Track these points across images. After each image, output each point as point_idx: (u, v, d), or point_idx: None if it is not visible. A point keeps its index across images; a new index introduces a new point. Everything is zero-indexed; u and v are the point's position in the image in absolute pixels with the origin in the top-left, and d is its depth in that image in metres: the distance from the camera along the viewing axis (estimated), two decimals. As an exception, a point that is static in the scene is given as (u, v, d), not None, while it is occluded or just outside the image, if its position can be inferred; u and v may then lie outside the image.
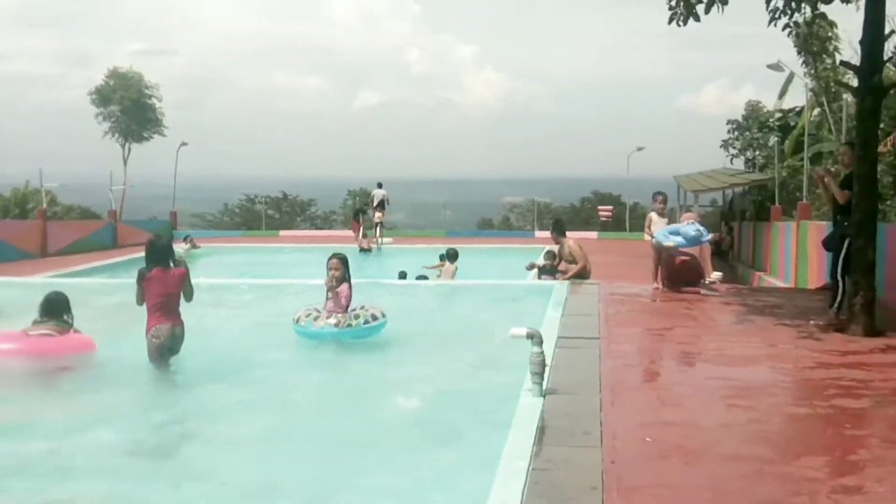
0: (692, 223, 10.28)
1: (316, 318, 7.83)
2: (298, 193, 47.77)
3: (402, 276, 13.43)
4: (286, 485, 4.67)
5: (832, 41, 21.89)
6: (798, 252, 15.14)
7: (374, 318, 7.93)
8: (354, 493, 4.52)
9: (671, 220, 11.44)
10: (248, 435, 5.51)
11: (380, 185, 25.80)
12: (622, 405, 5.21)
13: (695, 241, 10.24)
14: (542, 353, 5.36)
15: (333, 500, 4.49)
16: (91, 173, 34.40)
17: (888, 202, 17.85)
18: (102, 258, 18.17)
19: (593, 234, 31.57)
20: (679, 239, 10.13)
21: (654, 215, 11.00)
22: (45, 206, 25.68)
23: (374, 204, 24.90)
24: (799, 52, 22.80)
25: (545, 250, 12.54)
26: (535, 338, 5.39)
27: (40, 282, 12.08)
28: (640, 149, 38.05)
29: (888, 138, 19.67)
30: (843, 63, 11.13)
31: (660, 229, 10.54)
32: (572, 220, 41.93)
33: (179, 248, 19.86)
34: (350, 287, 7.99)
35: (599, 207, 38.28)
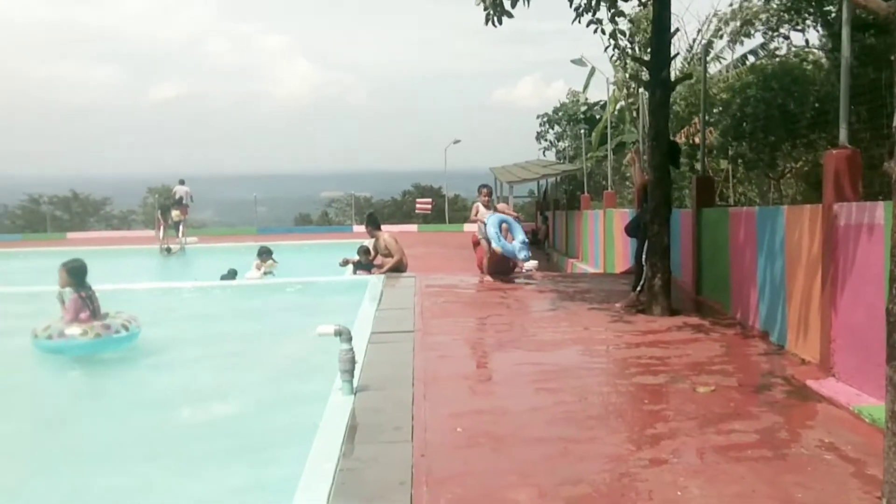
0: (524, 242, 10.72)
1: (60, 330, 7.29)
2: (91, 192, 45.63)
3: (232, 275, 12.93)
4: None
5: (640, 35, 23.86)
6: (606, 238, 16.38)
7: (126, 326, 7.54)
8: None
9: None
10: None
11: (182, 182, 25.21)
12: (434, 397, 5.33)
13: (513, 254, 10.70)
14: (352, 349, 5.35)
15: None
16: None
17: (685, 189, 19.81)
18: None
19: (413, 227, 32.18)
20: (507, 248, 10.55)
21: (480, 206, 11.39)
22: None
23: (175, 201, 23.99)
24: (606, 49, 24.58)
25: (360, 245, 12.56)
26: (343, 334, 5.37)
27: None
28: (456, 142, 39.32)
29: (684, 129, 21.83)
30: (634, 58, 12.16)
31: (486, 220, 10.92)
32: (394, 213, 42.48)
33: None
34: (84, 296, 7.58)
35: (418, 200, 39.07)
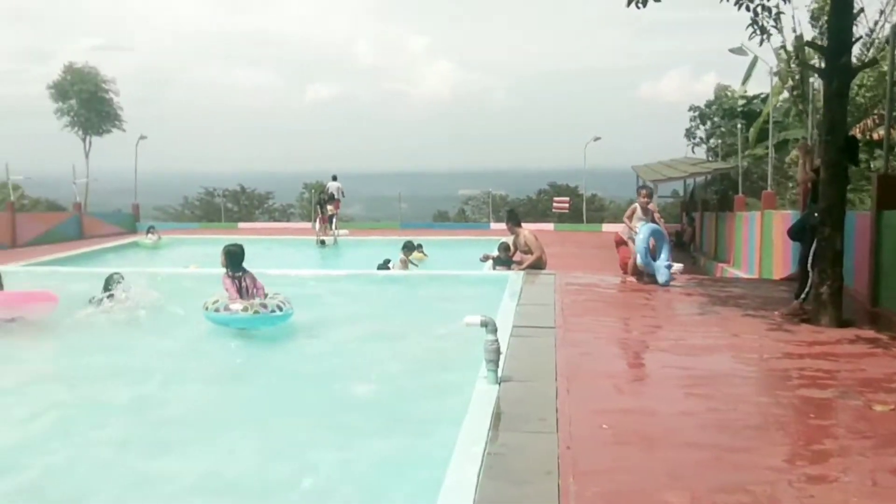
0: (669, 266, 10.39)
1: (226, 304, 8.17)
2: (256, 187, 49.74)
3: (386, 264, 13.64)
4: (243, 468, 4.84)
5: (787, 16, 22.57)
6: (762, 242, 15.64)
7: (280, 307, 8.25)
8: (306, 476, 4.63)
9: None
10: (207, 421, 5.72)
11: (334, 178, 27.02)
12: (578, 393, 5.35)
13: (653, 274, 10.38)
14: (497, 340, 5.47)
15: (287, 481, 4.62)
16: (54, 168, 36.62)
17: (865, 191, 18.48)
18: (70, 249, 19.67)
19: (549, 226, 32.03)
20: (650, 267, 10.28)
21: (638, 208, 11.18)
22: (12, 199, 27.36)
23: (329, 196, 25.67)
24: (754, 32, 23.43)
25: (500, 242, 12.71)
26: (488, 325, 5.50)
27: (15, 270, 12.88)
28: (596, 139, 38.65)
29: (860, 123, 20.43)
30: (808, 44, 11.48)
31: (641, 224, 10.72)
32: (529, 212, 42.45)
33: (145, 239, 22.30)
34: (232, 276, 8.47)
35: (555, 199, 38.80)
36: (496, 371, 5.49)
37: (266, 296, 8.40)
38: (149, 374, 6.91)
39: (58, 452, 5.18)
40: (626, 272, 10.79)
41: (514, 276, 10.51)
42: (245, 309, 8.07)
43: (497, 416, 4.74)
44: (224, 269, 8.61)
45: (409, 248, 14.24)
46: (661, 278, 10.20)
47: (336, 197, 25.66)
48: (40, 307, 8.70)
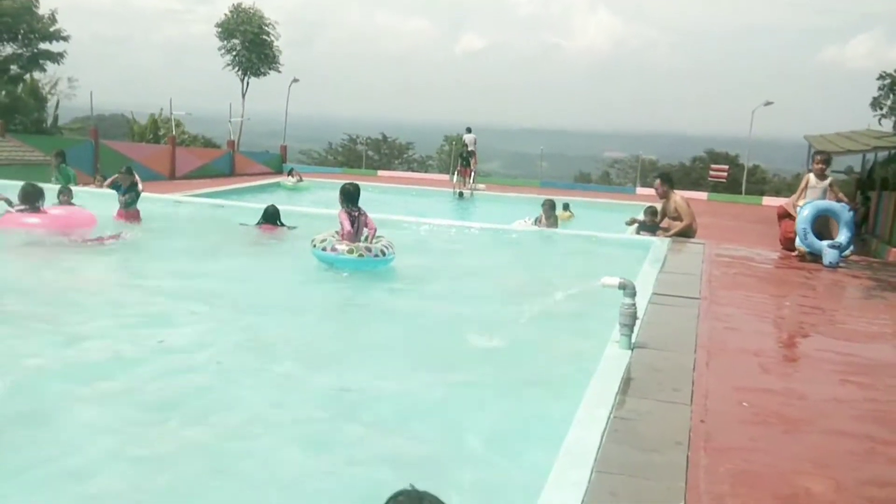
0: (837, 246, 9.64)
1: (332, 245, 8.62)
2: (397, 136, 51.14)
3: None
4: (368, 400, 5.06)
5: None
6: (947, 230, 14.35)
7: (384, 252, 8.68)
8: (429, 426, 4.76)
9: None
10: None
11: (469, 130, 26.92)
12: (718, 367, 5.19)
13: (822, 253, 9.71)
14: (634, 304, 5.38)
15: (410, 421, 4.81)
16: (212, 106, 38.96)
17: None
18: (223, 184, 22.08)
19: (703, 195, 30.75)
20: (814, 247, 9.64)
21: (811, 177, 10.46)
22: (174, 133, 29.95)
23: (470, 151, 25.85)
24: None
25: (647, 206, 12.37)
26: (627, 288, 5.41)
27: (180, 199, 14.51)
28: (768, 103, 36.33)
29: None
30: None
31: (815, 196, 10.07)
32: (681, 179, 40.96)
33: (286, 180, 23.97)
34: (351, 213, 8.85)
35: (712, 167, 37.11)
36: (630, 336, 5.41)
37: (374, 238, 8.78)
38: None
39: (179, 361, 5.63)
40: (786, 248, 10.21)
41: (660, 243, 10.22)
42: (350, 251, 8.49)
43: (627, 382, 4.69)
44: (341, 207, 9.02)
45: (550, 206, 13.96)
46: (826, 259, 9.58)
47: (470, 148, 25.75)
48: (79, 228, 9.95)
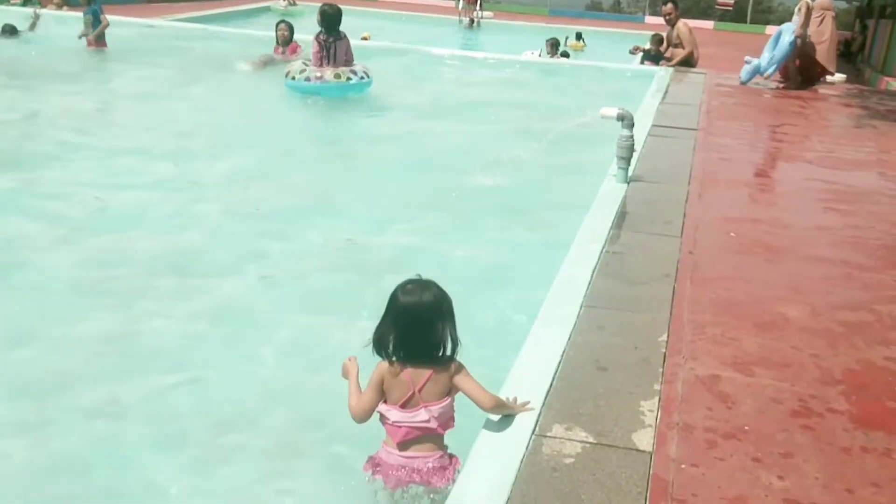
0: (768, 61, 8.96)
1: (308, 74, 7.73)
2: None
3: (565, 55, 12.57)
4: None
5: None
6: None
7: (366, 75, 7.91)
8: (426, 255, 4.51)
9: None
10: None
11: None
12: (710, 198, 4.93)
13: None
14: (632, 136, 5.03)
15: (411, 252, 4.55)
16: None
17: None
18: (206, 7, 17.67)
19: (709, 24, 28.84)
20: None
21: (808, 3, 9.41)
22: None
23: None
24: None
25: (653, 34, 11.50)
26: (625, 119, 5.03)
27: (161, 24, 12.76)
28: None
29: None
30: None
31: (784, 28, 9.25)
32: (689, 8, 38.20)
33: (277, 4, 19.53)
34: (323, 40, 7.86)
35: (719, -5, 34.54)
36: (627, 169, 5.12)
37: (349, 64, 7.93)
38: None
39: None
40: (785, 77, 9.53)
41: (662, 73, 9.58)
42: (337, 77, 7.68)
43: (621, 216, 4.47)
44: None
45: (552, 44, 12.88)
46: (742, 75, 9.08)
47: None
48: None
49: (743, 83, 9.40)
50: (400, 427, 2.33)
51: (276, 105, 8.08)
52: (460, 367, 2.37)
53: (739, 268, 3.89)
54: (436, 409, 2.33)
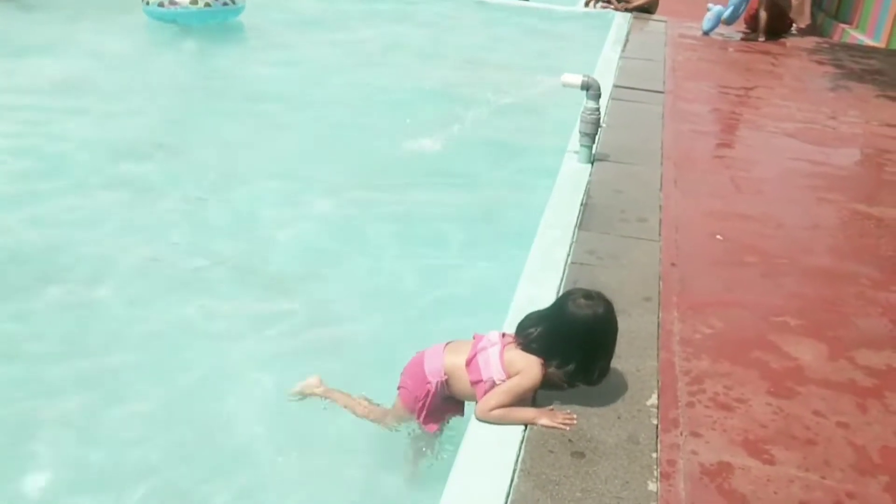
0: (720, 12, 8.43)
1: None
2: None
3: None
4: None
5: None
6: (902, 5, 12.95)
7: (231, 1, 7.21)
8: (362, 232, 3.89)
9: None
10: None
11: None
12: (688, 185, 4.25)
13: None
14: (598, 109, 4.30)
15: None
16: None
17: None
18: None
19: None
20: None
21: None
22: None
23: None
24: None
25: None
26: (591, 88, 4.28)
27: None
28: None
29: None
30: None
31: None
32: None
33: None
34: None
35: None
36: (591, 147, 4.39)
37: None
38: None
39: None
40: (751, 27, 8.88)
41: (620, 19, 8.78)
42: (194, 2, 6.98)
43: (587, 209, 3.75)
44: None
45: None
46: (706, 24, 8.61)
47: None
48: None
49: (705, 33, 8.73)
50: None
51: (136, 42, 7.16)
52: None
53: (733, 286, 3.24)
54: None
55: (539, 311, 2.41)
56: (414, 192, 4.42)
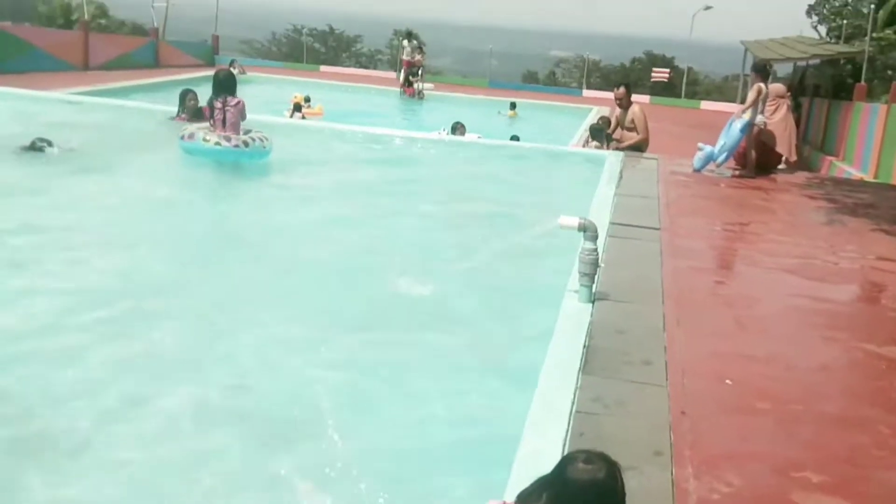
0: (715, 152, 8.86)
1: (206, 137, 7.66)
2: (345, 29, 46.67)
3: (514, 139, 11.73)
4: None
5: None
6: (884, 140, 13.50)
7: (263, 140, 7.87)
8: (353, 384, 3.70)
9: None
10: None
11: (409, 36, 24.50)
12: (691, 325, 4.19)
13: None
14: (596, 250, 4.31)
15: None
16: None
17: None
18: (142, 77, 17.87)
19: (645, 98, 29.50)
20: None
21: (762, 87, 8.99)
22: (87, 16, 24.96)
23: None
24: None
25: (598, 116, 11.09)
26: (588, 230, 4.32)
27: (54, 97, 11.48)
28: (707, 8, 34.71)
29: None
30: None
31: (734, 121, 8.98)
32: (621, 81, 39.51)
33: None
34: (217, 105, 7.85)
35: (654, 69, 35.69)
36: (591, 287, 4.36)
37: (249, 131, 7.85)
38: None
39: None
40: (740, 164, 9.16)
41: (613, 158, 9.07)
42: (233, 142, 7.60)
43: (590, 351, 3.66)
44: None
45: (459, 128, 11.97)
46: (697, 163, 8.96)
47: (411, 59, 22.98)
48: None
49: (696, 171, 9.01)
50: None
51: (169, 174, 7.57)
52: None
53: (747, 435, 3.11)
54: None
55: (541, 478, 2.28)
56: (410, 337, 4.34)
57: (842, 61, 23.11)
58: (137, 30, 34.52)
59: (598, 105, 21.52)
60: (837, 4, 26.37)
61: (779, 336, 4.25)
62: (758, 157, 8.99)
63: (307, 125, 11.62)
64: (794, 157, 9.54)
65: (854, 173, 14.47)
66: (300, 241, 5.89)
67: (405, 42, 24.09)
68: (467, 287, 5.05)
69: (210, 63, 25.75)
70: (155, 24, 28.61)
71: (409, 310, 4.67)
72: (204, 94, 8.92)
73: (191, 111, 9.23)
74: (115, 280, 4.82)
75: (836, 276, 5.38)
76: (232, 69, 20.80)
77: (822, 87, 22.57)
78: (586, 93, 29.50)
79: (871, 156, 14.32)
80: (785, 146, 9.15)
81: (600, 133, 10.57)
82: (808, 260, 5.67)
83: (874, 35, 21.25)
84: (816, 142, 20.08)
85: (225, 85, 7.89)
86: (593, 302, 4.33)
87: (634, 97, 13.27)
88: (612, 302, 4.40)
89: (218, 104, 7.73)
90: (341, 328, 4.32)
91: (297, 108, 13.68)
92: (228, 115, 7.72)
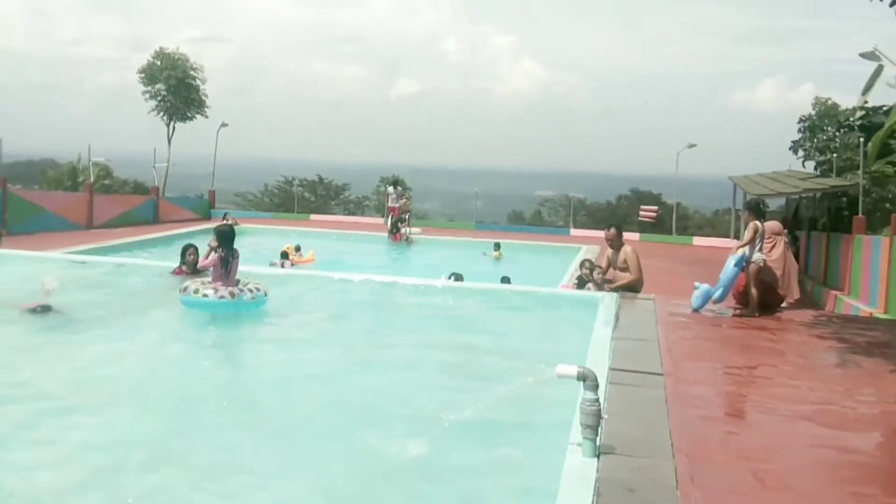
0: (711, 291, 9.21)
1: (205, 291, 8.33)
2: (334, 178, 50.40)
3: (506, 280, 12.24)
4: None
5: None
6: (890, 273, 13.82)
7: (258, 289, 8.55)
8: None
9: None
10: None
11: (395, 184, 27.61)
12: (706, 482, 4.09)
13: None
14: (598, 400, 4.29)
15: None
16: (141, 150, 37.44)
17: None
18: (142, 233, 20.47)
19: (635, 236, 30.32)
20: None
21: (759, 225, 9.37)
22: (92, 179, 27.85)
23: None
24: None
25: (583, 259, 11.42)
26: (588, 379, 4.34)
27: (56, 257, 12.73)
28: (691, 146, 36.57)
29: None
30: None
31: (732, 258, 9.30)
32: (608, 218, 40.80)
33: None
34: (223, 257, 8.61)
35: (642, 207, 36.93)
36: (595, 440, 4.29)
37: (238, 282, 8.58)
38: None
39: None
40: (741, 302, 9.32)
41: (608, 299, 9.19)
42: (232, 294, 8.28)
43: (601, 517, 3.54)
44: (208, 248, 8.92)
45: (458, 279, 12.43)
46: (695, 303, 9.13)
47: (396, 205, 25.03)
48: None
49: (695, 310, 9.14)
50: None
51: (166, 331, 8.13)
52: None
53: None
54: None
55: None
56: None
57: (838, 193, 24.12)
58: (139, 188, 38.07)
59: (586, 244, 22.09)
60: (825, 138, 27.81)
61: (803, 493, 4.14)
62: (760, 296, 9.14)
63: (298, 273, 12.35)
64: (795, 297, 9.71)
65: (863, 308, 14.67)
66: (292, 396, 6.04)
67: (390, 188, 25.73)
68: (462, 442, 4.98)
69: (206, 217, 28.66)
70: (156, 182, 32.08)
71: (404, 471, 4.61)
72: (202, 245, 9.89)
73: (190, 265, 10.10)
74: (102, 452, 4.89)
75: (857, 423, 5.32)
76: (226, 222, 22.99)
77: (819, 220, 23.35)
78: (574, 231, 30.32)
79: (878, 289, 14.58)
80: (785, 286, 9.35)
81: (585, 284, 10.89)
82: (825, 406, 5.64)
83: (866, 170, 22.33)
84: (818, 276, 20.49)
85: (231, 238, 8.76)
86: (598, 456, 4.25)
87: (624, 236, 13.76)
88: (619, 456, 4.31)
89: (228, 256, 8.51)
90: (335, 498, 4.24)
91: (285, 255, 14.90)
92: (235, 267, 8.52)
